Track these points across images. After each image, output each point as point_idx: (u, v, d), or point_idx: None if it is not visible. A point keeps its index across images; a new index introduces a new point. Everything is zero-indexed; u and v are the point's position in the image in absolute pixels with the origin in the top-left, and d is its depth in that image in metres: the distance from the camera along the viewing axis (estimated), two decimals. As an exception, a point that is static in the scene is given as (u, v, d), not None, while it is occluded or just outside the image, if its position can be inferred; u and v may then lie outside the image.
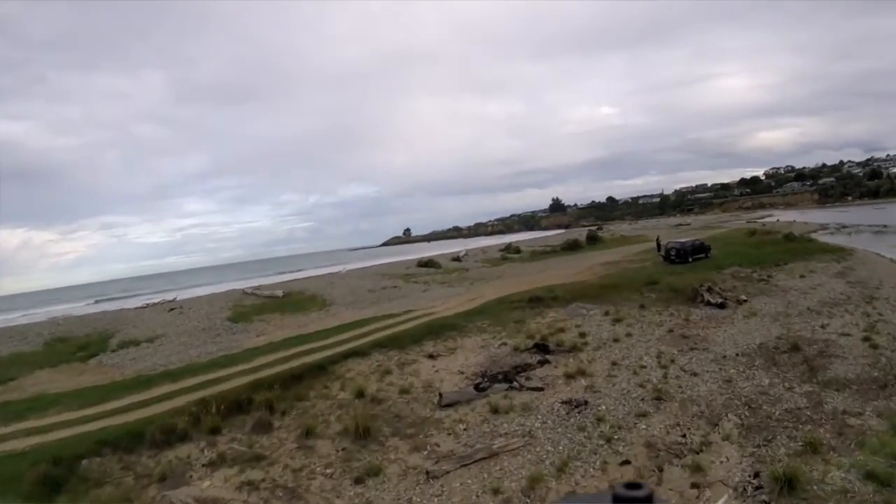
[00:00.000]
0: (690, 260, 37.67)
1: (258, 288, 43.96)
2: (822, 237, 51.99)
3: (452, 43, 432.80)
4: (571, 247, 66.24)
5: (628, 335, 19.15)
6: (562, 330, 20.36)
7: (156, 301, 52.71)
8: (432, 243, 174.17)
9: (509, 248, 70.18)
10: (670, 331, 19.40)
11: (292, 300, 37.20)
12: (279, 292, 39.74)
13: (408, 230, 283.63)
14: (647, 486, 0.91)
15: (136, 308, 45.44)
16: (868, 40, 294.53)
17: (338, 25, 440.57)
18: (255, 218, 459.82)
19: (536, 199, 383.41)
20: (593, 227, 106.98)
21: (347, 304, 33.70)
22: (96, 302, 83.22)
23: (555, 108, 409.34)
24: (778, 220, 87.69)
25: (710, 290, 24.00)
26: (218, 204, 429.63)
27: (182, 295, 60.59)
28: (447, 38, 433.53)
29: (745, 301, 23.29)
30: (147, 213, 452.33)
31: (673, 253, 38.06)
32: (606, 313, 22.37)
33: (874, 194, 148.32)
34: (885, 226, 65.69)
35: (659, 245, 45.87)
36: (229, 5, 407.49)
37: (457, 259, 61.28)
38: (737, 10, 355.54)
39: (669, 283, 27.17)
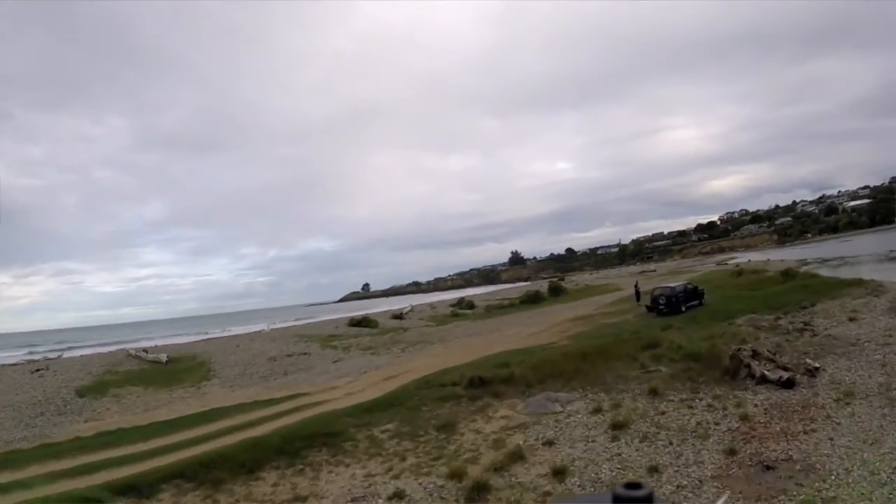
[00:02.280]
0: (684, 309, 29.34)
1: (146, 350, 38.84)
2: (824, 271, 44.17)
3: (413, 99, 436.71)
4: (532, 299, 58.30)
5: (653, 469, 9.61)
6: (520, 456, 10.79)
7: (34, 358, 49.65)
8: (390, 298, 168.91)
9: (461, 304, 62.14)
10: (730, 452, 10.00)
11: (173, 368, 31.98)
12: (164, 357, 34.49)
13: (366, 285, 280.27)
14: (647, 486, 0.89)
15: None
16: (810, 85, 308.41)
17: (301, 79, 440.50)
18: (213, 271, 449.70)
19: (496, 253, 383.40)
20: (555, 278, 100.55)
21: (232, 377, 27.97)
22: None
23: (512, 163, 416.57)
24: (749, 261, 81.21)
25: (755, 354, 14.97)
26: (175, 255, 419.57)
27: (81, 351, 54.70)
28: (408, 94, 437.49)
29: (817, 368, 14.31)
30: (103, 262, 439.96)
31: (662, 301, 29.48)
32: (596, 409, 13.00)
33: (834, 229, 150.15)
34: (870, 255, 61.77)
35: (638, 293, 37.62)
36: (198, 54, 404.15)
37: (398, 317, 52.63)
38: (682, 64, 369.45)
39: (679, 344, 18.21)
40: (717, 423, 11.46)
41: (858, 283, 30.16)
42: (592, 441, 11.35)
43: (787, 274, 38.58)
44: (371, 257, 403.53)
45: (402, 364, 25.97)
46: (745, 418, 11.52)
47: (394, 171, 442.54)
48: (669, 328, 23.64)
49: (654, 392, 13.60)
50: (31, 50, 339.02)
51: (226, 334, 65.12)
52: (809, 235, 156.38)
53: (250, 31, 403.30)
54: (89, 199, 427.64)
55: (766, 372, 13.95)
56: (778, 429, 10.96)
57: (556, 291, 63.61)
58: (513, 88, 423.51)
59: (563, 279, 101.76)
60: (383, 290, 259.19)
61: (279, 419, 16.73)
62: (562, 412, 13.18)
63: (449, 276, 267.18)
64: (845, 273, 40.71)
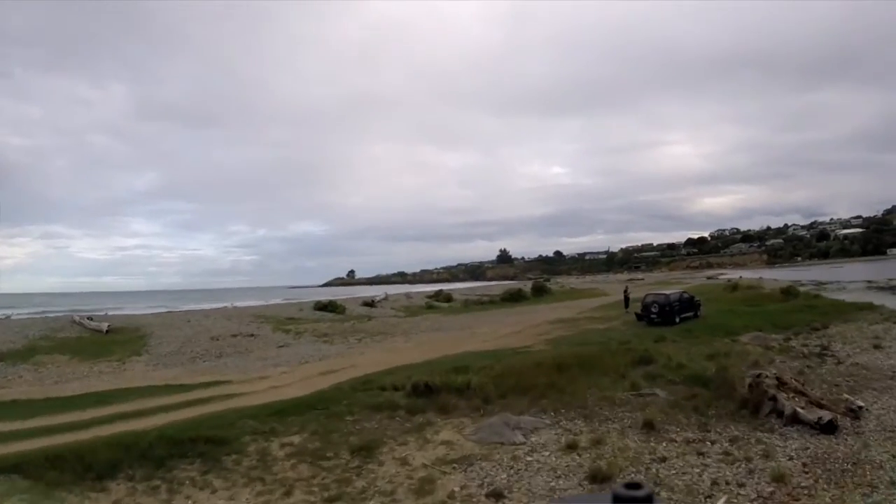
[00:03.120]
0: (678, 320, 26.00)
1: (90, 318, 35.70)
2: (825, 294, 40.97)
3: (414, 92, 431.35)
4: (514, 297, 54.97)
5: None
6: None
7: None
8: (374, 287, 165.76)
9: (439, 296, 58.26)
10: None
11: (111, 339, 29.43)
12: (105, 326, 31.91)
13: (352, 272, 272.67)
14: (647, 486, 0.87)
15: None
16: (810, 114, 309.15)
17: (305, 64, 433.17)
18: (200, 245, 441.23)
19: (485, 251, 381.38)
20: (540, 279, 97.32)
21: (163, 355, 25.33)
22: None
23: (508, 164, 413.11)
24: (741, 278, 78.05)
25: (781, 384, 11.58)
26: (164, 227, 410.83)
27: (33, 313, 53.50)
28: (410, 87, 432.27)
29: (860, 408, 10.95)
30: (90, 228, 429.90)
31: (654, 310, 26.09)
32: (570, 445, 9.45)
33: (825, 255, 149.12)
34: (869, 281, 58.26)
35: (627, 299, 34.19)
36: (204, 30, 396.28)
37: (369, 304, 48.93)
38: (684, 81, 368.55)
39: (679, 362, 14.89)
40: (740, 484, 8.02)
41: (869, 307, 27.31)
42: (556, 487, 7.96)
43: (788, 292, 35.49)
44: (360, 245, 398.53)
45: (351, 357, 22.63)
46: (779, 478, 8.09)
47: (390, 163, 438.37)
48: (663, 340, 20.39)
49: (649, 425, 10.13)
50: (34, 9, 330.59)
51: (189, 307, 61.71)
52: (800, 259, 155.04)
53: (258, 11, 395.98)
54: (81, 164, 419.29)
55: (798, 409, 10.56)
56: (828, 500, 7.58)
57: (539, 291, 60.40)
58: (515, 89, 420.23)
59: (548, 280, 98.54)
60: (368, 278, 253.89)
61: (177, 411, 13.54)
62: (523, 444, 9.64)
63: (436, 269, 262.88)
64: (845, 297, 37.59)
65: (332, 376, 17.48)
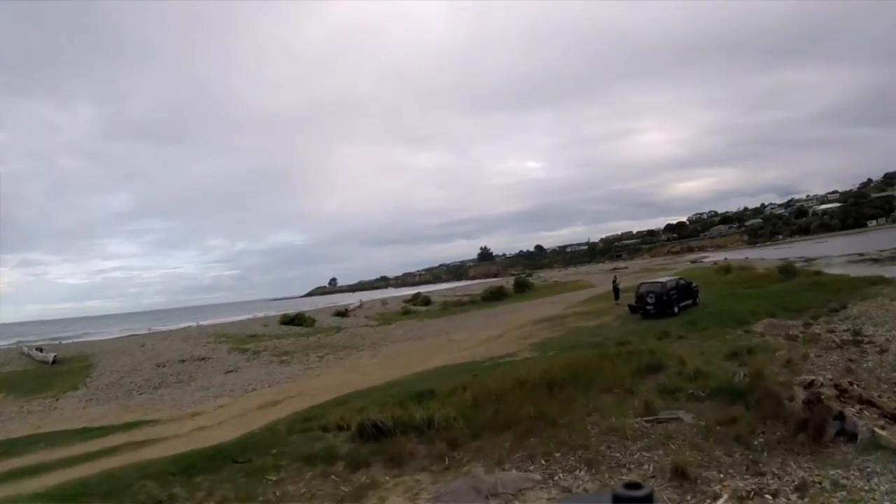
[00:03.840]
0: (677, 310, 23.29)
1: (39, 349, 34.29)
2: (830, 269, 38.48)
3: (385, 94, 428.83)
4: (495, 296, 52.37)
5: None
6: None
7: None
8: (357, 293, 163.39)
9: (416, 300, 55.73)
10: None
11: (54, 371, 28.06)
12: (51, 357, 30.42)
13: (333, 280, 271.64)
14: (648, 486, 0.86)
15: None
16: (778, 92, 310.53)
17: (273, 70, 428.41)
18: (180, 263, 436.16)
19: (465, 250, 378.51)
20: (522, 274, 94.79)
21: (101, 388, 23.36)
22: None
23: (483, 161, 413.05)
24: (727, 259, 75.95)
25: (841, 392, 8.72)
26: (141, 247, 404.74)
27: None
28: (379, 89, 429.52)
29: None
30: (68, 253, 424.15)
31: (650, 300, 23.31)
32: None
33: (805, 231, 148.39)
34: (860, 254, 56.31)
35: (617, 290, 31.51)
36: (166, 43, 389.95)
37: (341, 314, 46.28)
38: (653, 69, 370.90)
39: (697, 368, 11.94)
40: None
41: (882, 280, 24.68)
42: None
43: (787, 271, 32.97)
44: (340, 252, 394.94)
45: (304, 381, 20.14)
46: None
47: (364, 166, 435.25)
48: (667, 336, 17.63)
49: (681, 473, 7.13)
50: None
51: (158, 328, 59.59)
52: (780, 237, 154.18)
53: (222, 20, 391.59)
54: (55, 188, 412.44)
55: (877, 430, 7.70)
56: None
57: (521, 287, 57.66)
58: (485, 86, 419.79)
59: (530, 275, 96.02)
60: (350, 285, 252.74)
61: (77, 466, 11.22)
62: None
63: (418, 271, 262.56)
64: (848, 272, 35.15)
65: (273, 409, 14.73)
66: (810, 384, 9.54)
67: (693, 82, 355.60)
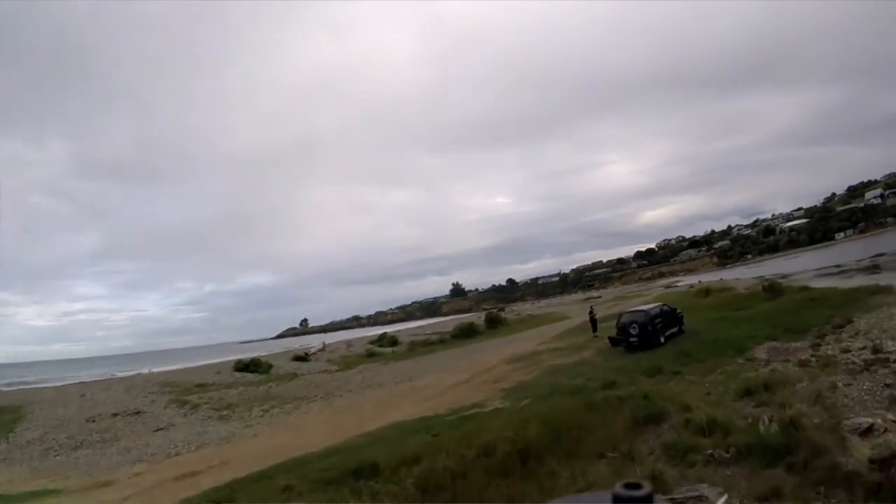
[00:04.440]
0: (663, 340, 20.74)
1: None
2: (817, 283, 36.23)
3: (353, 134, 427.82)
4: (465, 333, 49.56)
5: None
6: None
7: None
8: (328, 334, 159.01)
9: (382, 340, 52.66)
10: None
11: None
12: None
13: (305, 321, 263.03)
14: (647, 486, 0.88)
15: None
16: (736, 119, 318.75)
17: (244, 111, 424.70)
18: (148, 306, 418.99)
19: (438, 286, 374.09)
20: (494, 309, 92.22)
21: (23, 444, 21.08)
22: None
23: (453, 198, 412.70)
24: (700, 282, 74.33)
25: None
26: (109, 288, 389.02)
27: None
28: (348, 129, 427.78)
29: None
30: (35, 294, 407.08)
31: (634, 331, 20.83)
32: None
33: (774, 249, 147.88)
34: (837, 266, 54.83)
35: (594, 321, 28.98)
36: (141, 82, 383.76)
37: (302, 358, 43.25)
38: (615, 103, 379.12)
39: (705, 413, 9.36)
40: None
41: (880, 290, 22.40)
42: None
43: (773, 289, 30.75)
44: (311, 292, 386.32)
45: (237, 443, 18.15)
46: None
47: (335, 205, 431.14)
48: (659, 373, 15.08)
49: None
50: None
51: (118, 374, 55.21)
52: (750, 256, 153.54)
53: (194, 61, 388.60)
54: (23, 227, 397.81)
55: None
56: None
57: (493, 323, 54.95)
58: (453, 125, 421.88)
59: (503, 309, 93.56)
60: (322, 326, 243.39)
61: None
62: None
63: (390, 309, 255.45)
64: (826, 285, 33.12)
65: (190, 482, 12.38)
66: (868, 429, 6.98)
67: (653, 114, 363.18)
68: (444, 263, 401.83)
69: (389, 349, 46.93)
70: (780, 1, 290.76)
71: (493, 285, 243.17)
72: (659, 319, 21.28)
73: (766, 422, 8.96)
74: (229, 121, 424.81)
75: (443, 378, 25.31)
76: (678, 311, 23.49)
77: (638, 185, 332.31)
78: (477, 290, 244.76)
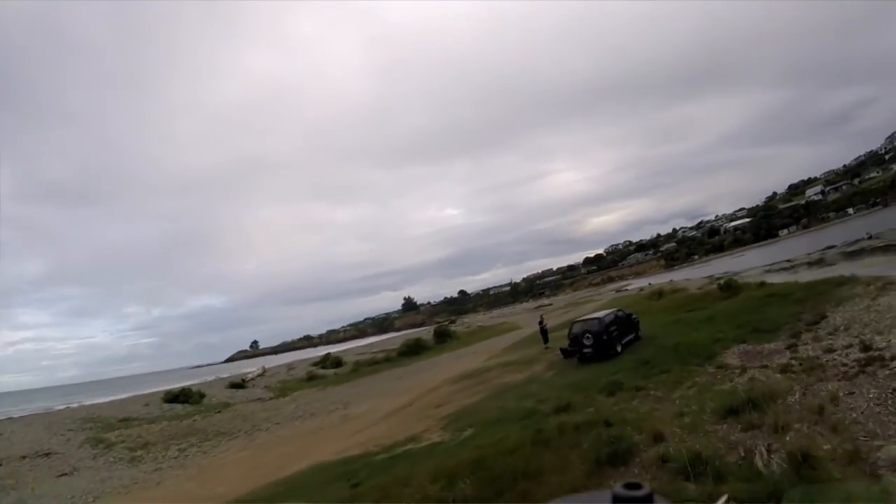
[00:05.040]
0: (620, 349, 18.68)
1: None
2: (771, 278, 34.86)
3: (300, 151, 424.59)
4: (413, 350, 46.94)
5: None
6: None
7: None
8: (280, 355, 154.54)
9: (325, 362, 49.70)
10: None
11: None
12: None
13: (255, 343, 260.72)
14: (647, 486, 0.88)
15: None
16: (680, 124, 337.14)
17: (189, 131, 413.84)
18: (95, 333, 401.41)
19: (391, 301, 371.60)
20: (445, 322, 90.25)
21: None
22: None
23: (402, 212, 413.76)
24: (650, 284, 73.68)
25: None
26: (55, 316, 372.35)
27: None
28: (295, 146, 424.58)
29: None
30: None
31: (588, 340, 18.74)
32: None
33: (720, 249, 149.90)
34: (788, 261, 53.82)
35: (545, 331, 26.92)
36: (84, 104, 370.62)
37: (238, 385, 40.20)
38: (562, 114, 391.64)
39: (684, 443, 7.11)
40: None
41: (848, 281, 20.53)
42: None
43: (729, 287, 29.25)
44: (262, 313, 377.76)
45: (137, 493, 15.93)
46: None
47: (283, 224, 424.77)
48: (620, 389, 12.89)
49: None
50: None
51: (41, 411, 49.47)
52: (696, 257, 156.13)
53: (139, 79, 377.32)
54: None
55: None
56: None
57: (442, 337, 52.53)
58: (401, 139, 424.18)
59: (454, 321, 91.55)
60: (273, 347, 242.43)
61: None
62: None
63: (342, 327, 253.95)
64: (784, 279, 31.84)
65: None
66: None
67: (600, 123, 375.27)
68: (397, 278, 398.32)
69: (332, 371, 44.23)
70: (722, 8, 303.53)
71: (446, 298, 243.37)
72: (614, 327, 19.23)
73: (765, 454, 6.86)
74: (174, 141, 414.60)
75: (381, 404, 23.00)
76: (634, 316, 21.55)
77: (585, 192, 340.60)
78: (429, 303, 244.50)
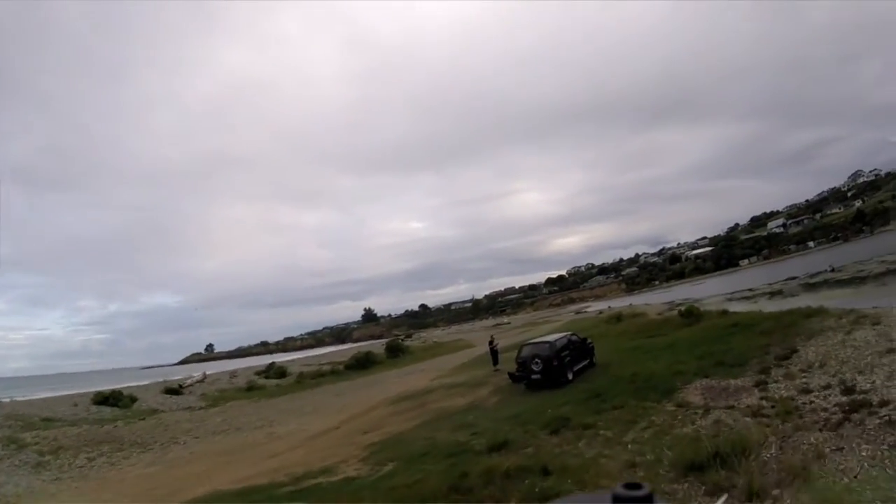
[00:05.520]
0: (571, 376, 16.97)
1: None
2: (733, 307, 33.51)
3: (270, 150, 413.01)
4: (362, 363, 44.59)
5: None
6: None
7: None
8: (234, 360, 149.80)
9: (269, 371, 47.04)
10: None
11: None
12: None
13: (210, 346, 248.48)
14: (647, 486, 0.87)
15: None
16: (648, 153, 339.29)
17: (157, 121, 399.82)
18: (48, 324, 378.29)
19: (351, 311, 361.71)
20: (401, 336, 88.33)
21: None
22: None
23: (368, 221, 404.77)
24: (610, 307, 72.72)
25: None
26: (8, 304, 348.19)
27: None
28: (265, 146, 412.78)
29: None
30: None
31: (536, 366, 16.99)
32: None
33: (681, 275, 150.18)
34: (750, 290, 53.66)
35: (495, 353, 25.19)
36: (50, 86, 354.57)
37: (174, 391, 37.48)
38: (532, 134, 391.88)
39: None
40: None
41: (817, 312, 18.82)
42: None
43: (691, 313, 27.88)
44: (219, 315, 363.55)
45: None
46: None
47: (246, 224, 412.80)
48: (565, 426, 11.13)
49: None
50: None
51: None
52: (657, 282, 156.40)
53: (111, 66, 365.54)
54: None
55: None
56: None
57: (394, 352, 50.39)
58: (371, 147, 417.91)
59: (410, 336, 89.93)
60: (229, 352, 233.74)
61: None
62: None
63: (300, 335, 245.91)
64: (747, 308, 30.57)
65: None
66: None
67: (570, 146, 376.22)
68: (358, 288, 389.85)
69: (275, 382, 41.59)
70: (696, 42, 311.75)
71: (407, 311, 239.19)
72: (566, 352, 17.52)
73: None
74: (142, 131, 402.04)
75: (311, 423, 21.05)
76: (588, 340, 19.93)
77: (551, 213, 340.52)
78: (390, 315, 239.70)
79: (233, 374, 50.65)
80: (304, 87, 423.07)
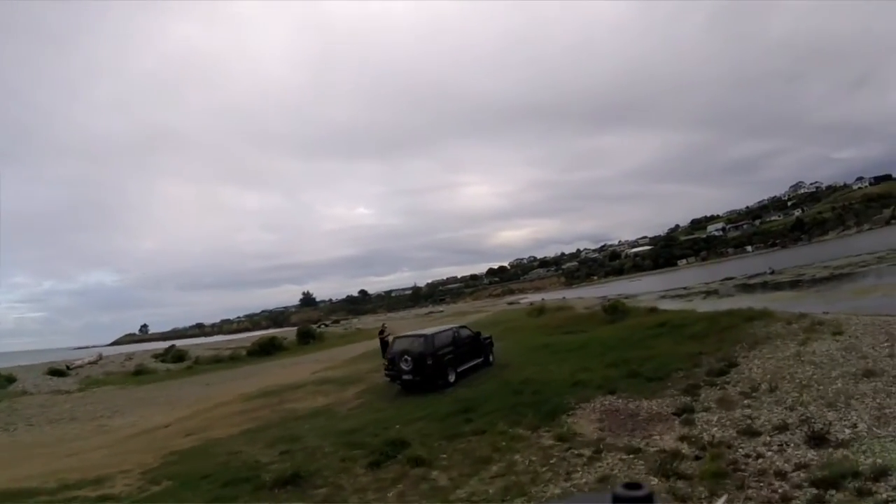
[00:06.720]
0: (453, 378, 13.38)
1: None
2: (665, 304, 30.68)
3: (215, 129, 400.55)
4: (265, 349, 41.05)
5: None
6: None
7: None
8: (167, 342, 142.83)
9: (167, 355, 43.09)
10: None
11: None
12: None
13: (144, 326, 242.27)
14: (647, 486, 0.84)
15: None
16: (593, 154, 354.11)
17: (99, 93, 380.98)
18: None
19: (292, 295, 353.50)
20: (326, 322, 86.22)
21: None
22: None
23: (312, 206, 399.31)
24: (544, 299, 70.28)
25: None
26: None
27: None
28: (210, 124, 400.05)
29: None
30: None
31: (406, 365, 13.37)
32: None
33: (619, 272, 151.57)
34: (685, 288, 51.90)
35: (385, 344, 21.71)
36: None
37: (59, 372, 33.87)
38: (480, 129, 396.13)
39: None
40: None
41: (761, 315, 15.52)
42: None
43: (615, 309, 24.78)
44: (156, 295, 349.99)
45: None
46: None
47: (187, 203, 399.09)
48: (396, 455, 7.62)
49: None
50: None
51: None
52: (596, 278, 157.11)
53: (54, 33, 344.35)
54: None
55: None
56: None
57: (304, 338, 46.68)
58: (319, 132, 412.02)
59: (337, 322, 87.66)
60: (163, 333, 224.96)
61: None
62: None
63: (237, 318, 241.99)
64: (672, 306, 27.82)
65: None
66: None
67: (516, 143, 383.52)
68: (300, 272, 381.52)
69: (166, 367, 37.59)
70: (652, 51, 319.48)
71: (348, 296, 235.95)
72: (449, 349, 13.94)
73: None
74: (89, 103, 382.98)
75: (150, 417, 17.86)
76: (486, 337, 16.46)
77: (497, 206, 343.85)
78: (331, 300, 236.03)
79: (129, 356, 46.22)
80: (254, 66, 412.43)
